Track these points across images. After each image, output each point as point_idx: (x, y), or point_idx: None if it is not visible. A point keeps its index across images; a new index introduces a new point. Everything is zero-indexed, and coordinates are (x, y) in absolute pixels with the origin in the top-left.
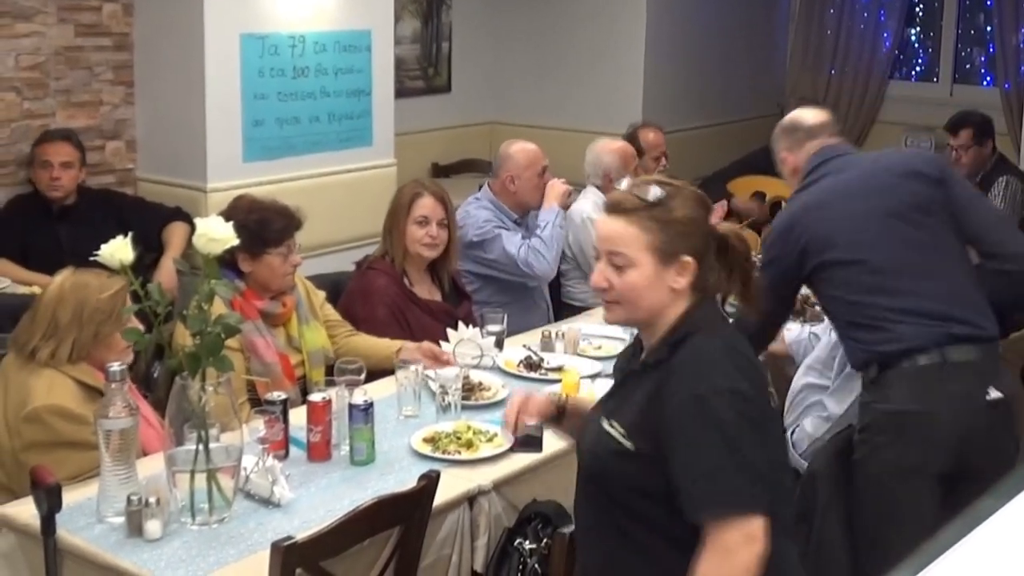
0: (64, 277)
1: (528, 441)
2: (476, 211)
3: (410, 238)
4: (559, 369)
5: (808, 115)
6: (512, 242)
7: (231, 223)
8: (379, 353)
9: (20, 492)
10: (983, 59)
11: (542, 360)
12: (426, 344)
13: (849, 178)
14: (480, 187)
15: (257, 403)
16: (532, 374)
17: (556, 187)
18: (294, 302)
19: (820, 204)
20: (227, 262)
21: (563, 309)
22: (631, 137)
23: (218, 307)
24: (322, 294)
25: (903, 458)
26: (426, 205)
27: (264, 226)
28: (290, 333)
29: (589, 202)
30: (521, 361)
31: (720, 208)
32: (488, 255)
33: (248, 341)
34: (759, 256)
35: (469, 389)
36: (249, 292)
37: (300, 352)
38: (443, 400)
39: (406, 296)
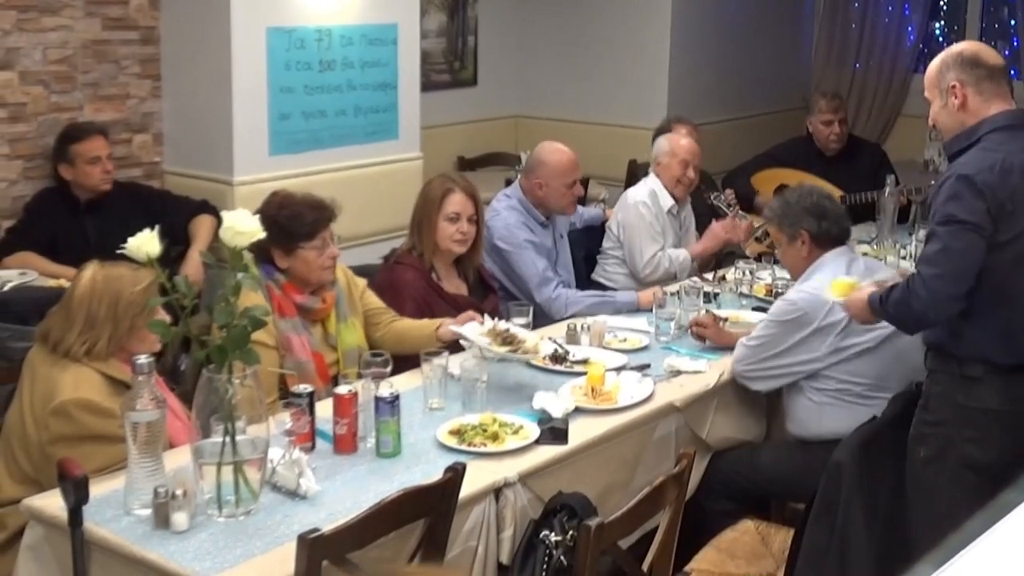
0: (94, 271)
1: (553, 433)
2: (506, 212)
3: (441, 234)
4: (585, 362)
5: (990, 54)
6: (536, 265)
7: (263, 219)
8: (422, 333)
9: (46, 483)
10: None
11: (567, 353)
12: (465, 314)
13: None
14: (508, 182)
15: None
16: (558, 367)
17: (650, 299)
18: (334, 298)
19: (1007, 169)
20: (266, 258)
21: (591, 287)
22: (664, 130)
23: (251, 298)
24: (362, 282)
25: (987, 453)
26: (457, 201)
27: (295, 221)
28: (328, 330)
29: (647, 189)
30: (547, 354)
31: (746, 225)
32: (507, 266)
33: (284, 338)
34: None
35: (510, 341)
36: (288, 286)
37: (335, 350)
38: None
39: (433, 291)
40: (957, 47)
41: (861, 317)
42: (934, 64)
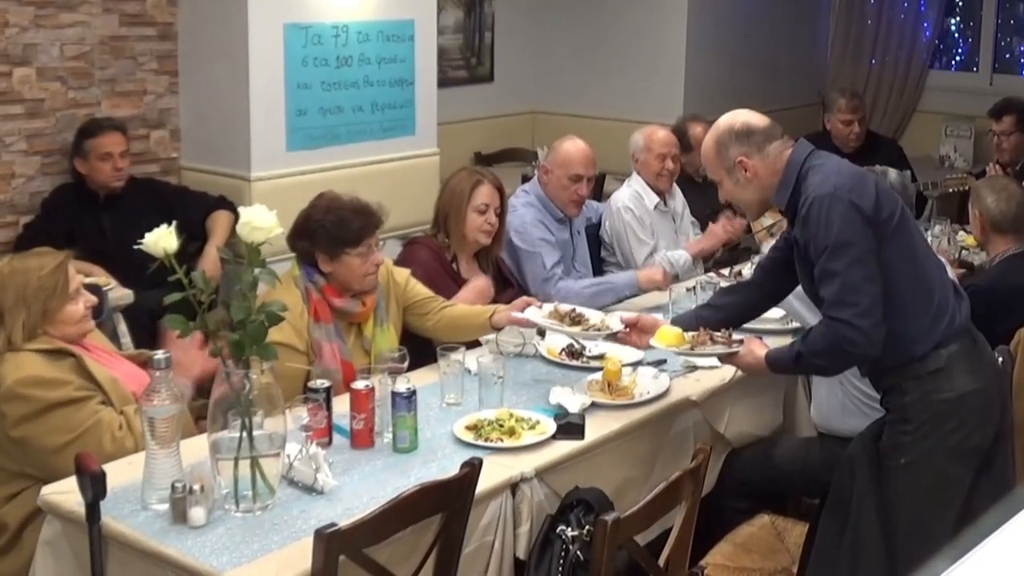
0: (3, 264)
1: (570, 428)
2: (523, 208)
3: (470, 225)
4: (601, 357)
5: (756, 118)
6: (544, 267)
7: (309, 222)
8: (477, 321)
9: (36, 473)
10: (1023, 49)
11: (584, 348)
12: (521, 300)
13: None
14: (525, 178)
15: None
16: (574, 362)
17: (649, 276)
18: (374, 302)
19: (855, 175)
20: (309, 260)
21: None
22: (680, 130)
23: (288, 296)
24: (405, 273)
25: (968, 439)
26: (486, 193)
27: (341, 226)
28: (364, 334)
29: (629, 191)
30: (563, 349)
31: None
32: (517, 262)
33: (315, 344)
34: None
35: (577, 321)
36: (328, 289)
37: (368, 355)
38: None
39: (447, 273)
40: (721, 123)
41: (753, 372)
42: (709, 147)
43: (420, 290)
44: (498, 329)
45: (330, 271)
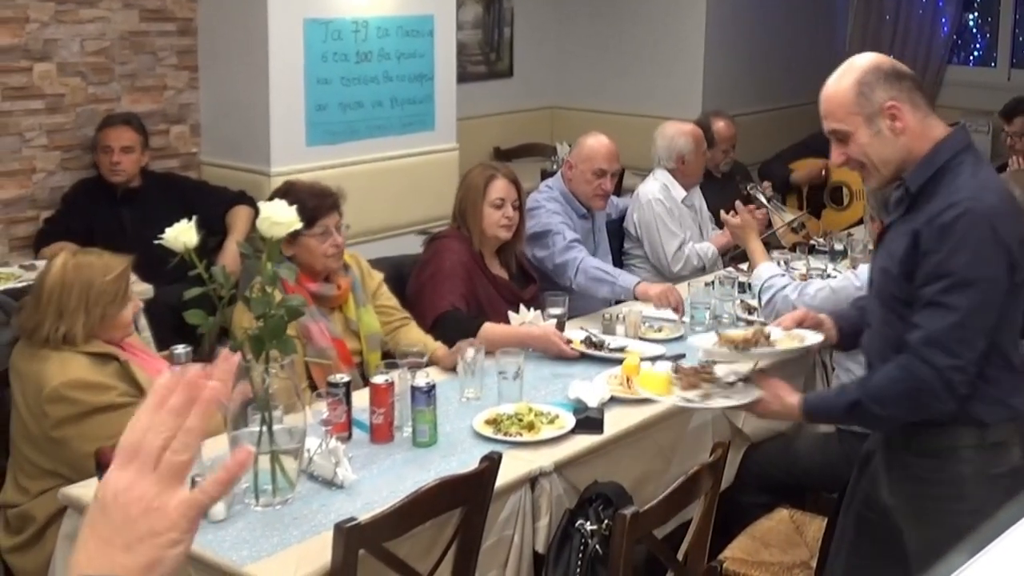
0: (64, 260)
1: (589, 423)
2: (547, 203)
3: (487, 221)
4: (622, 350)
5: (901, 64)
6: (568, 235)
7: None
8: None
9: (69, 474)
10: None
11: (604, 341)
12: (464, 342)
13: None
14: (544, 173)
15: (314, 390)
16: (594, 352)
17: (645, 290)
18: (349, 284)
19: (1010, 198)
20: None
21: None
22: (704, 125)
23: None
24: (379, 276)
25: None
26: (501, 187)
27: (296, 208)
28: (348, 316)
29: (658, 184)
30: (584, 340)
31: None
32: (543, 255)
33: (302, 327)
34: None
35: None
36: (302, 276)
37: (357, 337)
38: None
39: (477, 265)
40: (864, 61)
41: (776, 419)
42: (846, 87)
43: (389, 297)
44: (442, 366)
45: (291, 254)
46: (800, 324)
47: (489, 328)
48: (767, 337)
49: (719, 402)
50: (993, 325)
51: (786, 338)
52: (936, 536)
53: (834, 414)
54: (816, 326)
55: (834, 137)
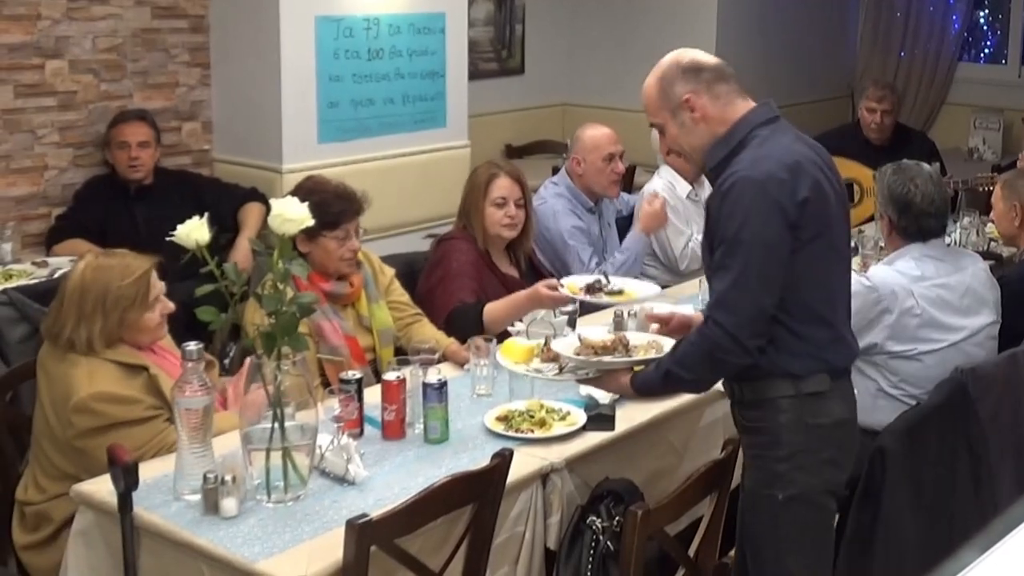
0: (86, 263)
1: (600, 419)
2: (552, 199)
3: (489, 220)
4: (620, 292)
5: (704, 55)
6: (583, 255)
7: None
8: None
9: (85, 477)
10: None
11: (605, 283)
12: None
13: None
14: (555, 170)
15: (327, 387)
16: (592, 298)
17: (648, 211)
18: (362, 281)
19: (795, 166)
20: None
21: None
22: None
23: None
24: (390, 272)
25: (842, 471)
26: (503, 186)
27: (321, 208)
28: (360, 312)
29: (663, 181)
30: (584, 286)
31: None
32: (554, 255)
33: (315, 325)
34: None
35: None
36: (315, 276)
37: (370, 333)
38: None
39: (486, 265)
40: (666, 59)
41: (622, 394)
42: (651, 85)
43: (401, 292)
44: (455, 361)
45: (307, 252)
46: (668, 324)
47: (490, 309)
48: (625, 345)
49: (566, 376)
50: (782, 282)
51: (645, 346)
52: (758, 479)
53: (655, 386)
54: (685, 327)
55: (656, 130)
